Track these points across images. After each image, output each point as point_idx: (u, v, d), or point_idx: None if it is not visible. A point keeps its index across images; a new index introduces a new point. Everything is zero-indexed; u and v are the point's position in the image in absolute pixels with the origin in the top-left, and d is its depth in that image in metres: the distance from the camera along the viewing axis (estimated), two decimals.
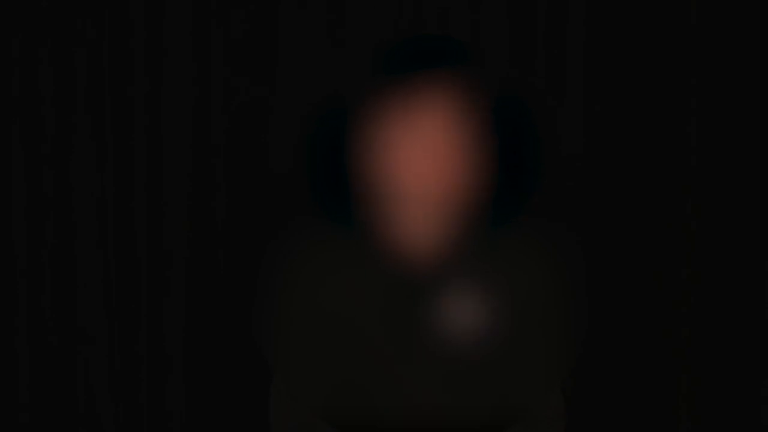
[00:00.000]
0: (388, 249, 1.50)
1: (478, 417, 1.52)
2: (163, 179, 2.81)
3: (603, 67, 2.80)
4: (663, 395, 2.86)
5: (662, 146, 2.81)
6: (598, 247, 2.82)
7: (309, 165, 1.50)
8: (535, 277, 1.53)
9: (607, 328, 2.83)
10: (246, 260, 2.82)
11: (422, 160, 1.43)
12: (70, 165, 2.80)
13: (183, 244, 2.82)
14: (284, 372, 1.57)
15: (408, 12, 2.78)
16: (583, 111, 2.80)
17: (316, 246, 1.54)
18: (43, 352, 2.84)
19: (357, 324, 1.51)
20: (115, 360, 2.85)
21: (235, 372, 2.84)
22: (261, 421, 2.86)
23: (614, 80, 2.80)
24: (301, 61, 2.78)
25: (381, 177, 1.46)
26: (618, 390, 2.86)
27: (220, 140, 2.80)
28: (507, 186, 1.48)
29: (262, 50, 2.79)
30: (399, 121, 1.44)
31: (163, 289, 2.83)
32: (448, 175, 1.44)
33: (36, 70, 2.78)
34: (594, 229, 2.82)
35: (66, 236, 2.82)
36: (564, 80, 2.80)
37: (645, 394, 2.86)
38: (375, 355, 1.51)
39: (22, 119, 2.79)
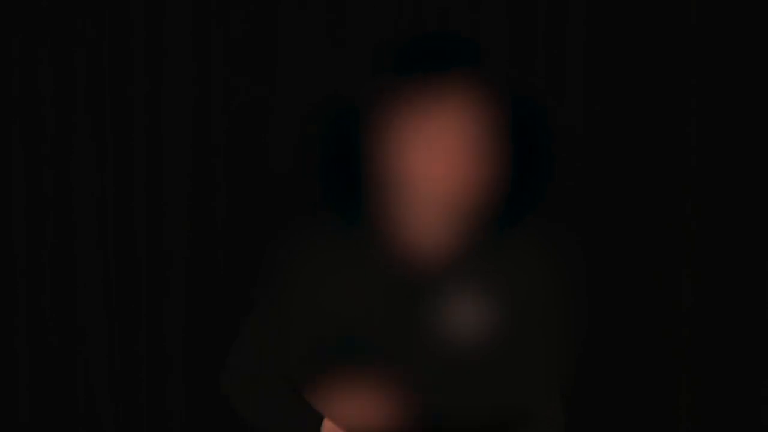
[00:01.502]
0: (396, 249, 1.50)
1: (479, 417, 1.52)
2: (163, 179, 2.81)
3: (603, 67, 2.80)
4: (663, 395, 2.86)
5: (662, 146, 2.81)
6: (598, 247, 2.82)
7: (321, 165, 1.50)
8: (535, 277, 1.53)
9: (607, 328, 2.83)
10: (246, 260, 2.81)
11: (434, 161, 1.43)
12: (70, 165, 2.80)
13: (183, 244, 2.82)
14: (285, 369, 1.57)
15: (408, 12, 2.77)
16: (583, 111, 2.80)
17: (316, 246, 1.54)
18: (43, 352, 2.84)
19: (357, 324, 1.51)
20: (115, 360, 2.84)
21: None
22: None
23: (614, 80, 2.80)
24: (301, 61, 2.77)
25: (393, 177, 1.46)
26: (618, 390, 2.86)
27: (220, 140, 2.80)
28: (519, 187, 1.48)
29: (262, 50, 2.78)
30: (412, 121, 1.44)
31: (163, 289, 2.83)
32: (459, 175, 1.44)
33: (36, 70, 2.78)
34: (594, 229, 2.82)
35: (66, 236, 2.82)
36: (564, 80, 2.80)
37: (645, 394, 2.86)
38: (375, 355, 1.51)
39: (22, 119, 2.79)
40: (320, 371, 1.54)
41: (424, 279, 1.50)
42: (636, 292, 2.83)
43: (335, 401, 1.53)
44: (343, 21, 2.78)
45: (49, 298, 2.83)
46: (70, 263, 2.82)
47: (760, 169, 2.80)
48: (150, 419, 2.86)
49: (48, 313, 2.83)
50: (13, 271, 2.82)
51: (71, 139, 2.80)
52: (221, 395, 2.85)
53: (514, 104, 1.47)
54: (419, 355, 1.50)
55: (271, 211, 2.80)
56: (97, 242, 2.82)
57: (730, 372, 2.84)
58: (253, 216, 2.81)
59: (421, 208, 1.46)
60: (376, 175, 1.47)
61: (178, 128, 2.80)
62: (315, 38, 2.77)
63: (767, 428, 2.86)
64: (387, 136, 1.45)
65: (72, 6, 2.77)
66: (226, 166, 2.80)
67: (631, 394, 2.86)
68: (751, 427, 2.86)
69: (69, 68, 2.78)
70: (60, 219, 2.81)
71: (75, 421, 2.86)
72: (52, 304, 2.83)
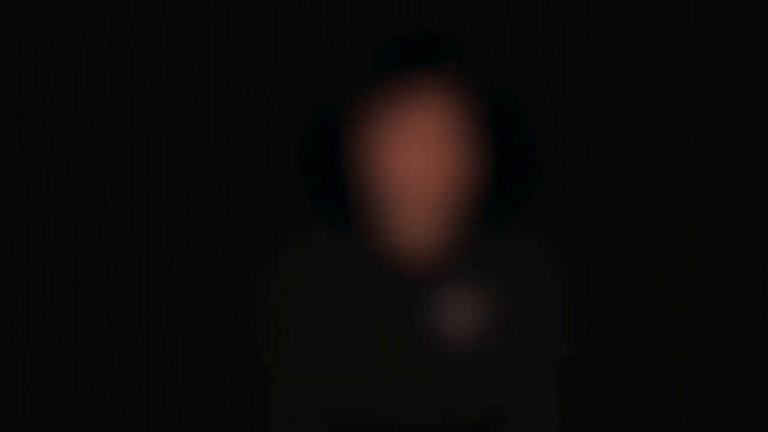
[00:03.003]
0: (387, 249, 1.50)
1: (475, 414, 1.52)
2: (163, 179, 2.81)
3: (603, 67, 2.80)
4: (663, 395, 2.86)
5: (662, 146, 2.81)
6: (598, 247, 2.82)
7: (305, 165, 1.50)
8: (534, 276, 1.53)
9: (607, 328, 2.83)
10: (246, 260, 2.82)
11: (419, 159, 1.43)
12: (70, 165, 2.80)
13: (183, 244, 2.82)
14: (282, 373, 1.57)
15: (408, 12, 2.78)
16: (583, 111, 2.80)
17: (315, 246, 1.54)
18: (43, 352, 2.84)
19: (354, 324, 1.51)
20: (115, 360, 2.85)
21: (235, 372, 2.85)
22: (261, 421, 2.86)
23: (614, 80, 2.80)
24: (301, 61, 2.78)
25: (378, 177, 1.46)
26: (618, 390, 2.86)
27: (220, 140, 2.80)
28: (504, 183, 1.48)
29: (262, 50, 2.79)
30: (395, 119, 1.44)
31: (163, 289, 2.83)
32: (444, 173, 1.44)
33: (36, 70, 2.78)
34: (594, 228, 2.82)
35: (66, 236, 2.82)
36: (564, 80, 2.80)
37: (645, 394, 2.86)
38: (372, 354, 1.51)
39: (22, 119, 2.79)
40: (319, 372, 1.54)
41: (418, 278, 1.50)
42: (636, 292, 2.83)
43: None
44: (343, 21, 2.78)
45: (49, 298, 2.83)
46: (70, 263, 2.82)
47: (760, 169, 2.81)
48: (150, 419, 2.86)
49: (48, 313, 2.83)
50: (13, 271, 2.82)
51: (71, 139, 2.80)
52: (222, 394, 2.85)
53: (497, 99, 1.47)
54: (416, 354, 1.50)
55: (271, 211, 2.80)
56: (97, 242, 2.82)
57: (730, 372, 2.84)
58: (253, 216, 2.82)
59: (408, 206, 1.46)
60: (360, 175, 1.47)
61: (178, 128, 2.80)
62: (315, 38, 2.77)
63: (767, 428, 2.86)
64: (371, 135, 1.45)
65: (72, 6, 2.77)
66: (226, 166, 2.81)
67: (631, 394, 2.86)
68: (751, 427, 2.86)
69: (69, 68, 2.78)
70: (60, 219, 2.81)
71: (75, 421, 2.86)
72: (52, 304, 2.83)
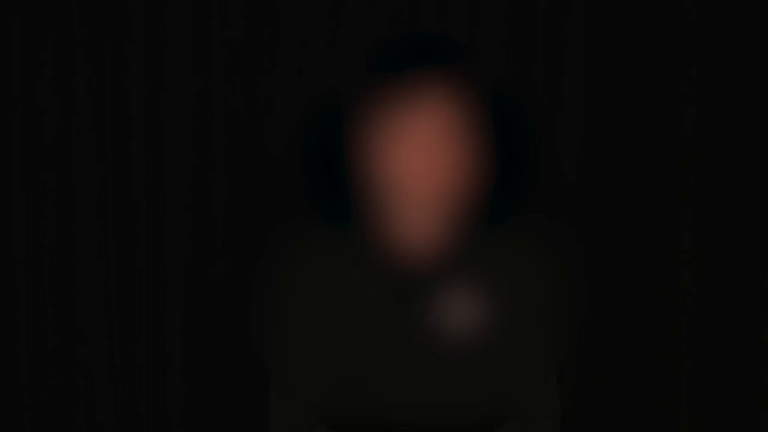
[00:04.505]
0: (386, 248, 1.50)
1: (474, 414, 1.52)
2: (163, 179, 2.81)
3: (603, 66, 2.80)
4: (663, 395, 2.86)
5: (662, 146, 2.81)
6: (598, 247, 2.82)
7: (305, 165, 1.50)
8: (533, 275, 1.53)
9: (607, 328, 2.83)
10: (246, 260, 2.82)
11: (418, 159, 1.43)
12: (70, 165, 2.80)
13: (183, 245, 2.82)
14: (281, 372, 1.57)
15: (407, 12, 2.77)
16: (583, 111, 2.80)
17: (313, 246, 1.54)
18: (43, 352, 2.84)
19: (354, 323, 1.51)
20: (115, 360, 2.84)
21: (235, 372, 2.84)
22: (261, 421, 2.86)
23: (614, 80, 2.80)
24: (301, 61, 2.77)
25: (377, 176, 1.46)
26: (618, 390, 2.86)
27: (220, 140, 2.80)
28: (504, 183, 1.48)
29: (262, 50, 2.78)
30: (394, 119, 1.44)
31: (163, 290, 2.83)
32: (444, 172, 1.44)
33: (36, 71, 2.78)
34: (594, 228, 2.82)
35: (66, 236, 2.82)
36: (564, 80, 2.80)
37: (645, 394, 2.86)
38: (372, 354, 1.51)
39: (22, 119, 2.79)
40: (317, 373, 1.54)
41: (418, 278, 1.50)
42: (635, 292, 2.83)
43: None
44: (342, 21, 2.78)
45: (49, 298, 2.83)
46: (70, 263, 2.82)
47: (760, 169, 2.80)
48: (150, 419, 2.86)
49: (48, 313, 2.83)
50: (13, 271, 2.82)
51: (71, 138, 2.80)
52: (222, 394, 2.85)
53: (497, 99, 1.47)
54: (416, 354, 1.51)
55: (271, 211, 2.80)
56: (98, 243, 2.82)
57: (730, 372, 2.84)
58: (253, 216, 2.82)
59: (408, 206, 1.46)
60: (362, 175, 1.47)
61: (178, 128, 2.80)
62: (315, 38, 2.77)
63: (767, 428, 2.86)
64: (370, 135, 1.45)
65: (72, 6, 2.77)
66: (226, 166, 2.81)
67: (631, 394, 2.86)
68: (751, 427, 2.86)
69: (69, 68, 2.78)
70: (60, 219, 2.81)
71: (75, 421, 2.86)
72: (52, 304, 2.83)
